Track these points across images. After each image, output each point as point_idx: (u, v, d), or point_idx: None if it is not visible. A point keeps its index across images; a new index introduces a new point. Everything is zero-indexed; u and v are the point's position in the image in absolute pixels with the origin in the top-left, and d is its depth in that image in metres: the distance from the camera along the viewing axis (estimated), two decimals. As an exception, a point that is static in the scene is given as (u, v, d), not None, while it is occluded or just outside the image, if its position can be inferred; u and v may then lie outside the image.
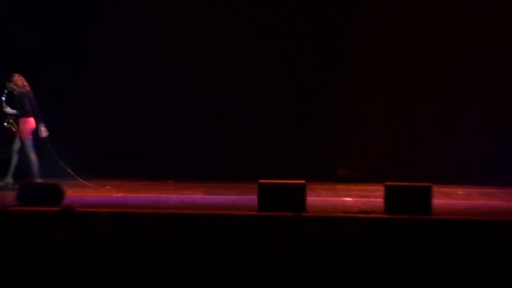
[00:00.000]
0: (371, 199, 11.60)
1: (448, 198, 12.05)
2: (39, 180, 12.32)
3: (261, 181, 10.56)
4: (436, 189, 10.75)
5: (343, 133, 15.36)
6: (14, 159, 12.29)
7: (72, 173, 12.62)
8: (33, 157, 12.19)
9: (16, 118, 12.19)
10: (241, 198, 11.70)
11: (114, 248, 7.96)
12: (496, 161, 14.59)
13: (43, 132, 12.25)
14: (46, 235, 8.63)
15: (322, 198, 12.17)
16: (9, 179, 12.17)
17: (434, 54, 15.20)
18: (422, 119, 15.06)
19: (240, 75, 15.08)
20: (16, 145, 12.20)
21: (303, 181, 10.73)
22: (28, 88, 12.14)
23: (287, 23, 15.18)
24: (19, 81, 12.11)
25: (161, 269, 7.12)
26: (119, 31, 15.65)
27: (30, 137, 12.23)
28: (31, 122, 12.11)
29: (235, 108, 15.16)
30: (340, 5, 15.25)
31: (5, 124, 12.18)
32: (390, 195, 10.37)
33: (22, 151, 12.48)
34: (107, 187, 13.58)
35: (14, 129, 12.20)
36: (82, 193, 12.15)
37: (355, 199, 12.25)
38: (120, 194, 12.74)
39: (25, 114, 12.09)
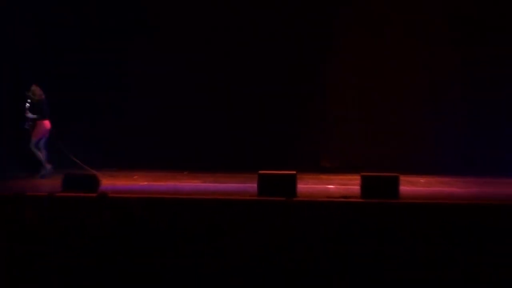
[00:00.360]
0: (350, 187, 12.72)
1: (412, 186, 13.14)
2: (45, 170, 13.64)
3: (260, 172, 11.87)
4: (403, 178, 11.99)
5: (327, 131, 16.24)
6: (43, 153, 13.71)
7: (80, 163, 13.63)
8: (41, 153, 13.62)
9: (34, 121, 13.66)
10: (243, 186, 12.87)
11: (142, 227, 8.99)
12: (452, 155, 15.63)
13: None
14: (85, 216, 9.76)
15: (309, 185, 13.22)
16: (45, 170, 13.56)
17: (405, 60, 16.00)
18: (392, 119, 15.97)
19: (242, 83, 15.96)
20: (41, 142, 13.71)
21: (294, 172, 12.00)
22: (43, 96, 13.62)
23: (280, 34, 15.94)
24: (37, 91, 13.64)
25: (181, 242, 8.12)
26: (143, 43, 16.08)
27: (40, 137, 13.66)
28: (46, 124, 13.64)
29: (239, 113, 15.98)
30: (326, 15, 15.92)
31: (27, 127, 13.64)
32: (365, 183, 11.70)
33: (45, 144, 13.81)
34: (135, 177, 14.55)
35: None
36: (114, 182, 13.37)
37: (336, 186, 13.37)
38: (145, 183, 13.95)
39: (42, 118, 13.65)
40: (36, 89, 13.67)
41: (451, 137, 15.96)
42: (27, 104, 13.77)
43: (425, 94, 16.06)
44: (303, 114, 16.29)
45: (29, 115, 13.67)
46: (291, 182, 11.92)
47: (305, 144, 16.14)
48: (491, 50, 15.79)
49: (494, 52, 15.84)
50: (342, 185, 13.38)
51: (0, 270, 7.29)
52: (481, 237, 8.44)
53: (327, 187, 13.40)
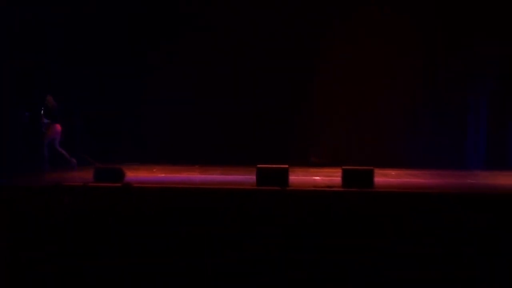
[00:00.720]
0: (333, 178, 13.51)
1: (384, 177, 14.02)
2: (48, 167, 14.60)
3: (258, 166, 12.85)
4: (377, 171, 12.97)
5: (314, 133, 17.33)
6: (62, 151, 14.78)
7: (89, 159, 14.73)
8: (46, 152, 14.59)
9: (48, 125, 14.71)
10: (244, 178, 13.74)
11: (159, 211, 10.05)
12: (420, 150, 16.69)
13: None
14: (112, 203, 10.80)
15: (299, 177, 14.04)
16: (71, 164, 14.68)
17: (382, 68, 17.04)
18: (370, 121, 17.11)
19: (245, 94, 17.11)
20: (56, 143, 14.73)
21: (286, 166, 12.90)
22: (55, 104, 14.70)
23: (276, 45, 16.99)
24: (51, 100, 14.75)
25: (194, 221, 9.01)
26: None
27: (52, 138, 14.66)
28: (58, 127, 14.68)
29: (242, 117, 17.09)
30: (316, 30, 16.88)
31: (43, 130, 14.72)
32: (346, 175, 12.65)
33: (58, 143, 14.83)
34: (154, 170, 15.48)
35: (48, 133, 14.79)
36: (137, 174, 14.29)
37: (322, 178, 14.20)
38: (163, 175, 14.86)
39: (54, 122, 14.73)
40: (50, 98, 14.68)
41: (419, 135, 16.90)
42: (42, 111, 14.75)
43: (399, 99, 16.96)
44: (295, 118, 17.24)
45: (45, 120, 14.64)
46: (284, 174, 12.74)
47: (296, 143, 17.22)
48: (455, 59, 16.67)
49: (458, 60, 16.64)
50: (327, 177, 14.15)
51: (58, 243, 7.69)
52: (438, 220, 9.30)
53: (314, 179, 14.18)
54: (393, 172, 15.21)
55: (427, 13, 16.62)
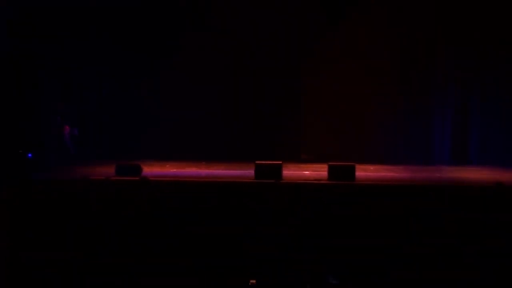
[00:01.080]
0: (320, 172, 14.08)
1: (364, 172, 14.58)
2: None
3: (256, 162, 13.68)
4: (358, 166, 13.78)
5: (304, 133, 17.81)
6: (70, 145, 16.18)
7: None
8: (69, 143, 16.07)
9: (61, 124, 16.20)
10: (245, 172, 14.37)
11: (171, 200, 10.88)
12: (395, 148, 17.32)
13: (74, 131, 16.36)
14: (132, 193, 11.86)
15: (291, 172, 14.64)
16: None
17: (363, 78, 17.41)
18: (352, 124, 17.56)
19: (244, 101, 17.63)
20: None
21: (280, 162, 13.75)
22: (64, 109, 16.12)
23: (269, 55, 17.52)
24: (62, 105, 16.20)
25: (200, 208, 9.96)
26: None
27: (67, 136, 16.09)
28: (66, 128, 16.16)
29: (242, 119, 17.67)
30: (304, 35, 17.30)
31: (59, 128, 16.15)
32: (331, 170, 13.51)
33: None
34: (167, 166, 16.10)
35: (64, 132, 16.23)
36: (152, 169, 14.89)
37: (311, 172, 14.81)
38: (174, 170, 15.49)
39: (65, 124, 16.21)
40: (61, 104, 16.11)
41: (395, 135, 17.45)
42: (58, 117, 16.06)
43: (378, 104, 17.44)
44: (288, 120, 17.74)
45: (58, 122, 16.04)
46: (278, 169, 13.53)
47: (289, 142, 17.60)
48: (426, 69, 17.40)
49: (428, 70, 17.37)
50: (315, 171, 14.68)
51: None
52: (405, 205, 10.30)
53: (304, 173, 14.77)
54: (371, 167, 15.80)
55: (407, 25, 17.12)
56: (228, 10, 17.18)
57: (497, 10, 16.47)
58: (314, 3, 16.92)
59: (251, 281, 6.74)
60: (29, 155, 14.81)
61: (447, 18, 17.01)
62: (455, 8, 16.84)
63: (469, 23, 16.83)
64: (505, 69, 16.76)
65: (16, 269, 7.20)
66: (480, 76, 17.13)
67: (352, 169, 13.52)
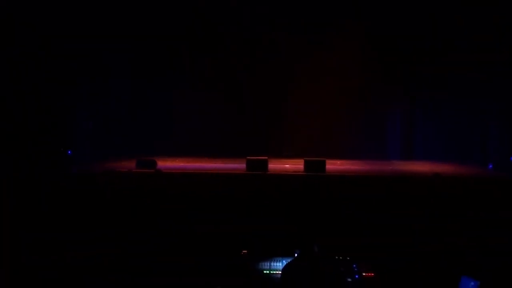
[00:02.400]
0: (298, 166, 15.46)
1: (333, 165, 15.89)
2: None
3: (247, 157, 15.18)
4: (328, 161, 15.20)
5: (286, 133, 19.19)
6: None
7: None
8: None
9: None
10: (238, 165, 15.68)
11: (179, 189, 12.85)
12: (357, 146, 18.83)
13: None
14: (148, 183, 13.70)
15: (275, 165, 15.88)
16: None
17: (338, 86, 18.62)
18: (324, 125, 18.94)
19: (239, 102, 18.84)
20: None
21: (266, 157, 15.24)
22: None
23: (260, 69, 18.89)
24: (91, 124, 17.61)
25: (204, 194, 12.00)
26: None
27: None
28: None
29: (237, 122, 18.80)
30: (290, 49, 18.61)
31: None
32: (307, 164, 15.01)
33: None
34: (177, 160, 17.51)
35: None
36: (165, 163, 16.13)
37: (290, 165, 16.24)
38: (182, 163, 16.87)
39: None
40: (90, 123, 17.50)
41: (356, 136, 19.03)
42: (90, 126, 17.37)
43: (344, 112, 18.94)
44: (273, 125, 19.11)
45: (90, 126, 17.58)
46: (265, 163, 15.03)
47: (274, 141, 19.14)
48: (382, 82, 18.79)
49: (382, 84, 18.81)
50: (294, 165, 16.07)
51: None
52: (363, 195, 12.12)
53: (285, 166, 16.24)
54: (338, 161, 17.29)
55: (369, 51, 18.49)
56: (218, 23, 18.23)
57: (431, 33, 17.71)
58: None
59: (243, 251, 7.16)
60: (69, 152, 16.19)
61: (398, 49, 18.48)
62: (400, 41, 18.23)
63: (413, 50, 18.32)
64: (442, 85, 18.33)
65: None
66: (423, 90, 18.76)
67: (323, 163, 15.13)
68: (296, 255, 6.09)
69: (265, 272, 6.97)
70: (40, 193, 11.54)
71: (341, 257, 6.07)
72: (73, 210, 11.02)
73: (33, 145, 14.78)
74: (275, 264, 6.93)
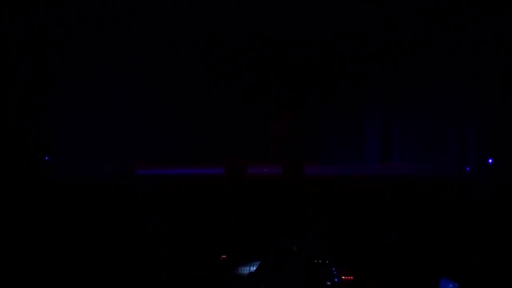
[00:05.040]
0: (277, 170, 15.40)
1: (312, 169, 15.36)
2: None
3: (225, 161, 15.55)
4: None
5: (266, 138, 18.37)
6: None
7: None
8: None
9: None
10: (217, 169, 15.70)
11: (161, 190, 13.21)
12: (335, 151, 18.20)
13: None
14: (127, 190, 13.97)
15: (255, 170, 15.93)
16: None
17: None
18: (305, 130, 18.24)
19: (224, 109, 18.27)
20: None
21: (246, 161, 15.58)
22: None
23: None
24: None
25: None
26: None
27: None
28: None
29: (219, 127, 18.35)
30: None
31: None
32: (284, 167, 15.44)
33: None
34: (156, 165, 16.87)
35: None
36: (144, 168, 16.18)
37: (269, 169, 16.11)
38: (164, 168, 16.46)
39: None
40: None
41: (337, 141, 18.34)
42: None
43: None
44: (252, 130, 18.49)
45: None
46: (244, 167, 15.55)
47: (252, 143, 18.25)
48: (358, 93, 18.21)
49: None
50: (274, 169, 15.88)
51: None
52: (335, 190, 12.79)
53: (264, 170, 16.35)
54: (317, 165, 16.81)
55: None
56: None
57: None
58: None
59: (222, 256, 7.28)
60: (46, 158, 15.95)
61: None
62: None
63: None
64: (419, 87, 18.37)
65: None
66: (402, 96, 18.68)
67: (301, 166, 15.71)
68: (272, 256, 6.18)
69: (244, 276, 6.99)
70: (13, 200, 11.59)
71: (320, 261, 6.04)
72: (46, 218, 11.12)
73: (9, 151, 14.80)
74: (254, 268, 6.88)
